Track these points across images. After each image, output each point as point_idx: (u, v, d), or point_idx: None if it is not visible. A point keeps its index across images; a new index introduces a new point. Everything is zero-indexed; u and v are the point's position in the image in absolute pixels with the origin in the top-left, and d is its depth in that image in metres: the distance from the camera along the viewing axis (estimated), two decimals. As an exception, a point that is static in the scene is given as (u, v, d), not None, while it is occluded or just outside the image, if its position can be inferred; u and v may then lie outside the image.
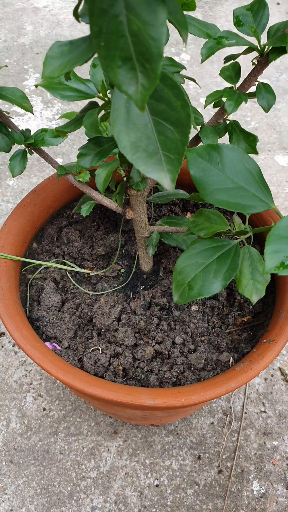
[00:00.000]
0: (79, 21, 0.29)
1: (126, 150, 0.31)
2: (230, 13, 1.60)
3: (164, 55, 0.43)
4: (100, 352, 0.53)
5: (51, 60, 0.31)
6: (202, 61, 0.42)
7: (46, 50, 1.44)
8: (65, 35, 1.52)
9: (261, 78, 1.35)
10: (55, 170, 0.50)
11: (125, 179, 0.51)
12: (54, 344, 0.55)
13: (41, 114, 1.25)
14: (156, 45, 0.24)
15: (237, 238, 0.46)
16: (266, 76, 1.36)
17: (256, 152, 0.46)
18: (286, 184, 1.09)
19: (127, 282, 0.61)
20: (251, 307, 0.58)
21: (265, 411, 0.76)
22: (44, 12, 1.61)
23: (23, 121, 1.22)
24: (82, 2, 0.28)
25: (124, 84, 0.25)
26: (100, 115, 0.39)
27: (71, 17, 1.59)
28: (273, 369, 0.80)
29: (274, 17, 1.58)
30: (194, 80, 0.50)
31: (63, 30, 1.54)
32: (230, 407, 0.76)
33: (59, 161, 1.12)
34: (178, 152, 0.32)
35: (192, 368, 0.53)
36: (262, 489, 0.69)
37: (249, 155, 0.50)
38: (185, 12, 0.46)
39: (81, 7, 0.29)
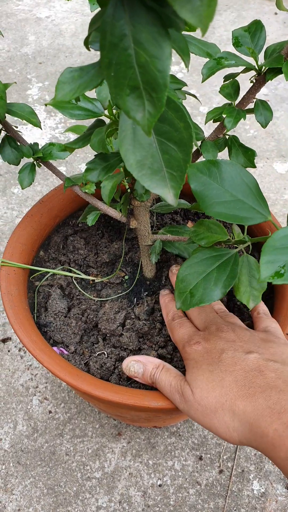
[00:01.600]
0: (89, 50, 0.32)
1: (133, 168, 0.34)
2: (229, 23, 1.63)
3: (186, 68, 0.46)
4: (106, 356, 0.56)
5: (62, 85, 0.33)
6: (203, 81, 0.44)
7: (48, 59, 1.47)
8: (67, 45, 1.55)
9: (260, 87, 1.38)
10: (59, 178, 0.53)
11: (129, 190, 0.54)
12: (62, 348, 0.57)
13: (44, 123, 1.27)
14: (162, 76, 0.26)
15: (236, 247, 0.48)
16: (265, 85, 1.39)
17: (254, 166, 0.49)
18: (284, 191, 1.12)
19: (131, 288, 0.63)
20: (250, 312, 0.60)
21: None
22: (47, 23, 1.64)
23: (27, 130, 1.25)
24: (92, 33, 0.30)
25: (132, 111, 0.28)
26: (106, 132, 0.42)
27: (73, 27, 1.62)
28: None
29: (272, 27, 1.61)
30: (195, 97, 0.52)
31: (65, 40, 1.57)
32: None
33: (63, 169, 1.15)
34: (181, 170, 0.35)
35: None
36: (262, 488, 0.71)
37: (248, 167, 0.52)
38: (186, 32, 0.49)
39: (90, 38, 0.31)
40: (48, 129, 1.26)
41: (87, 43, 0.31)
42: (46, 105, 0.41)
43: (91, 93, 0.49)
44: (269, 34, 1.54)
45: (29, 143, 0.53)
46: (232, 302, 0.62)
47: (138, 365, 0.50)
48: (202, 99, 1.35)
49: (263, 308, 0.56)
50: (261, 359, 0.44)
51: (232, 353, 0.45)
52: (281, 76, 0.43)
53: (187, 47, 0.33)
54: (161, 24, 0.26)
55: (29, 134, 1.25)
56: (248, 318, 0.60)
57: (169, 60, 0.26)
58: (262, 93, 1.37)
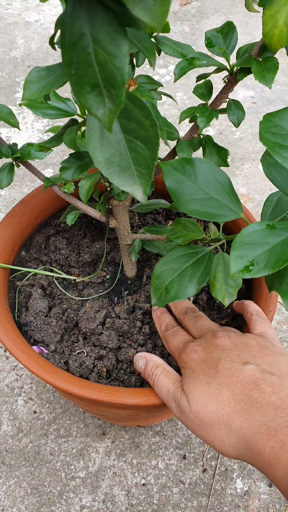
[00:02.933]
0: (55, 49, 0.32)
1: (101, 166, 0.34)
2: (217, 26, 1.64)
3: (152, 67, 0.46)
4: (85, 354, 0.56)
5: (30, 84, 0.34)
6: (175, 81, 0.45)
7: (37, 63, 1.48)
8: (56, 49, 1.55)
9: (247, 89, 1.39)
10: (37, 177, 0.53)
11: (108, 189, 0.54)
12: (41, 347, 0.57)
13: (32, 126, 1.28)
14: (120, 73, 0.27)
15: (211, 245, 0.49)
16: (252, 87, 1.40)
17: (227, 165, 0.49)
18: (269, 192, 1.12)
19: (112, 287, 0.64)
20: (229, 310, 0.61)
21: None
22: (36, 26, 1.65)
23: (14, 133, 1.25)
24: (58, 32, 0.31)
25: (93, 108, 0.28)
26: (81, 132, 0.42)
27: (61, 30, 1.62)
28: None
29: (259, 30, 1.62)
30: (171, 97, 0.53)
31: (54, 44, 1.57)
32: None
33: (50, 171, 1.16)
34: (149, 167, 0.35)
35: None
36: (245, 487, 0.72)
37: (224, 167, 0.53)
38: (161, 34, 0.50)
39: (56, 37, 0.32)
40: (36, 131, 1.27)
41: (52, 42, 0.32)
42: (20, 105, 0.42)
43: (66, 93, 0.50)
44: (256, 37, 1.55)
45: (8, 143, 0.54)
46: (211, 301, 0.62)
47: (142, 360, 0.51)
48: (189, 101, 1.36)
49: (255, 308, 0.55)
50: (258, 371, 0.43)
51: (229, 364, 0.44)
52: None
53: (152, 47, 0.34)
54: (118, 23, 0.26)
55: (17, 137, 1.25)
56: (226, 316, 0.60)
57: (127, 58, 0.26)
58: (249, 95, 1.38)
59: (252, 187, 1.14)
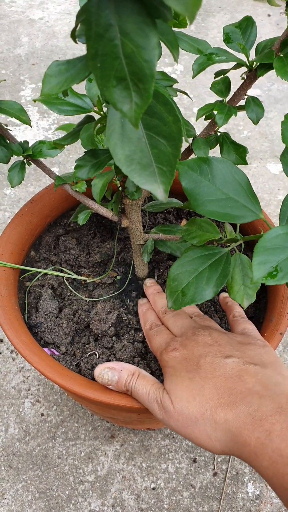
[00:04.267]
0: (76, 42, 0.31)
1: (121, 163, 0.33)
2: (222, 24, 1.63)
3: (158, 65, 0.45)
4: (97, 356, 0.55)
5: (49, 78, 0.33)
6: (193, 76, 0.44)
7: (41, 61, 1.47)
8: (60, 46, 1.54)
9: (254, 88, 1.38)
10: (51, 179, 0.52)
11: (120, 188, 0.53)
12: (52, 349, 0.56)
13: (37, 124, 1.27)
14: (148, 66, 0.26)
15: (228, 246, 0.48)
16: (258, 86, 1.39)
17: (246, 163, 0.48)
18: (278, 192, 1.11)
19: (123, 288, 0.63)
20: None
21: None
22: (40, 24, 1.64)
23: (19, 131, 1.24)
24: (79, 25, 0.30)
25: (119, 102, 0.27)
26: (96, 128, 0.41)
27: (66, 28, 1.62)
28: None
29: (266, 28, 1.61)
30: (186, 94, 0.52)
31: (58, 41, 1.57)
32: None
33: (56, 170, 1.14)
34: (171, 165, 0.34)
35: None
36: (257, 491, 0.71)
37: (240, 165, 0.52)
38: (176, 29, 0.49)
39: (77, 29, 0.31)
40: (41, 130, 1.25)
41: (73, 35, 0.31)
42: (34, 101, 0.40)
43: (80, 89, 0.49)
44: (262, 36, 1.54)
45: (19, 141, 0.52)
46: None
47: (112, 372, 0.47)
48: (195, 100, 1.35)
49: (238, 310, 0.55)
50: (240, 363, 0.43)
51: (211, 359, 0.44)
52: (275, 77, 0.43)
53: (176, 40, 0.33)
54: (147, 14, 0.25)
55: (22, 135, 1.24)
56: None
57: (156, 50, 0.25)
58: (256, 94, 1.36)
59: (261, 186, 1.12)
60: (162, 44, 0.49)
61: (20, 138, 1.22)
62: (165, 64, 1.47)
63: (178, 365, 0.45)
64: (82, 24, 0.30)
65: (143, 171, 0.34)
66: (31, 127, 0.49)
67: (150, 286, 0.60)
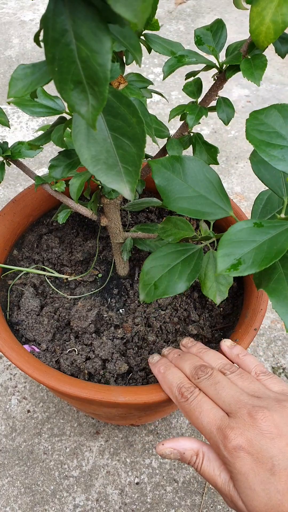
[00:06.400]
0: (40, 46, 0.32)
1: (88, 163, 0.34)
2: (212, 25, 1.64)
3: (147, 65, 0.46)
4: (76, 353, 0.56)
5: (15, 81, 0.34)
6: (164, 78, 0.45)
7: (32, 62, 1.47)
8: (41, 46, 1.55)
9: (242, 88, 1.39)
10: (29, 176, 0.53)
11: (100, 187, 0.54)
12: (33, 346, 0.57)
13: (27, 125, 1.28)
14: (102, 70, 0.27)
15: (202, 243, 0.49)
16: (247, 86, 1.40)
17: (217, 163, 0.49)
18: (264, 191, 1.12)
19: (103, 286, 0.64)
20: (221, 308, 0.61)
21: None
22: (31, 26, 1.65)
23: (9, 132, 1.25)
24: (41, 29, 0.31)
25: (77, 105, 0.28)
26: (65, 130, 0.42)
27: (57, 29, 1.62)
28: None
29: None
30: (162, 95, 0.53)
31: (49, 43, 1.57)
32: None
33: (44, 170, 1.15)
34: (135, 165, 0.35)
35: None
36: (239, 485, 0.72)
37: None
38: (149, 31, 0.50)
39: (41, 34, 0.32)
40: (31, 131, 1.26)
41: (37, 40, 0.32)
42: (8, 103, 0.41)
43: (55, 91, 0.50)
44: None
45: (-1, 142, 0.53)
46: (204, 300, 0.62)
47: (174, 454, 0.44)
48: (183, 100, 1.36)
49: (255, 363, 0.49)
50: None
51: (285, 464, 0.38)
52: (264, 77, 0.44)
53: (138, 44, 0.34)
54: (100, 19, 0.26)
55: (12, 136, 1.25)
56: (218, 316, 0.60)
57: (109, 55, 0.26)
58: (244, 94, 1.38)
59: (247, 185, 1.14)
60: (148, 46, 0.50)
61: (9, 139, 1.23)
62: (153, 64, 1.48)
63: (250, 472, 0.38)
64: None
65: (110, 170, 0.35)
66: (9, 128, 0.50)
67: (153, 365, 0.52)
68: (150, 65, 1.47)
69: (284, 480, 0.37)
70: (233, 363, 0.49)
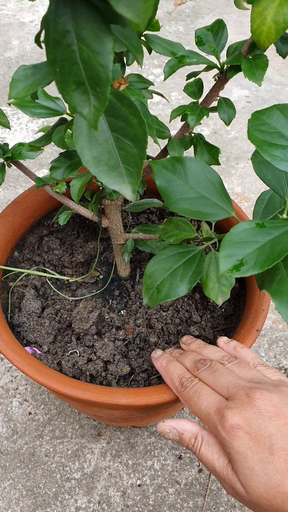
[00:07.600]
0: (41, 47, 0.32)
1: (89, 164, 0.34)
2: (212, 26, 1.64)
3: (147, 66, 0.46)
4: (78, 355, 0.56)
5: (16, 82, 0.34)
6: (165, 79, 0.45)
7: (32, 63, 1.47)
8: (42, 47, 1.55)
9: (242, 89, 1.39)
10: (29, 177, 0.53)
11: (101, 189, 0.54)
12: (34, 348, 0.57)
13: (27, 127, 1.28)
14: (104, 71, 0.27)
15: (203, 244, 0.49)
16: (246, 87, 1.40)
17: (218, 163, 0.49)
18: (265, 191, 1.12)
19: (105, 287, 0.64)
20: (222, 310, 0.61)
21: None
22: (30, 27, 1.65)
23: (9, 133, 1.25)
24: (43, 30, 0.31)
25: (79, 106, 0.28)
26: (66, 131, 0.42)
27: (56, 31, 1.62)
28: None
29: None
30: (162, 95, 0.53)
31: (48, 44, 1.57)
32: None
33: (45, 171, 1.15)
34: (137, 166, 0.35)
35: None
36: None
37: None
38: (150, 32, 0.50)
39: (42, 34, 0.31)
40: (31, 132, 1.26)
41: (38, 40, 0.32)
42: (9, 104, 0.41)
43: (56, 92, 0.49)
44: (251, 37, 1.55)
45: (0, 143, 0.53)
46: (206, 301, 0.62)
47: (173, 433, 0.44)
48: (183, 101, 1.36)
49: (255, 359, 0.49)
50: None
51: (284, 443, 0.38)
52: (264, 77, 0.44)
53: (139, 44, 0.34)
54: (102, 20, 0.26)
55: (11, 137, 1.25)
56: (219, 317, 0.60)
57: (111, 55, 0.26)
58: (244, 95, 1.38)
59: (247, 186, 1.13)
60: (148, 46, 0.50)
61: (10, 140, 1.23)
62: (153, 65, 1.48)
63: (248, 452, 0.38)
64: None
65: (111, 172, 0.34)
66: (10, 129, 0.49)
67: (155, 360, 0.53)
68: (150, 66, 1.47)
69: (283, 459, 0.37)
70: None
